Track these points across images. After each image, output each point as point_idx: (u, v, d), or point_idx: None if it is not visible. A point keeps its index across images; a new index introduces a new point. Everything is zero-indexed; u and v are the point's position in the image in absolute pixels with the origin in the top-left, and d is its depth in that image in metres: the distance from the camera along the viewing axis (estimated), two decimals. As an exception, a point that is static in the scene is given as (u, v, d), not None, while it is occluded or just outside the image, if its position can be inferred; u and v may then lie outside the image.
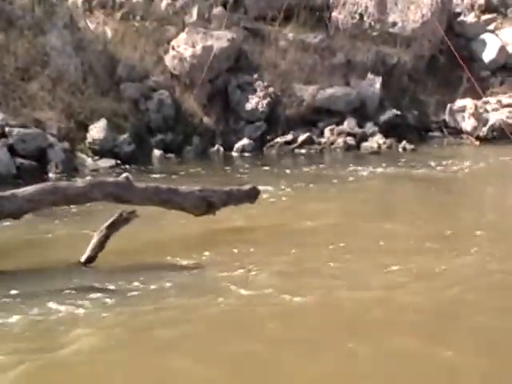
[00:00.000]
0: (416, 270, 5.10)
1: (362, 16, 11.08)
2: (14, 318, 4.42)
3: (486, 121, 10.08)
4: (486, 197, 7.78)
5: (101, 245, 5.57)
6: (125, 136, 9.02)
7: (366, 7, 11.12)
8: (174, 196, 6.12)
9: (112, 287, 4.98)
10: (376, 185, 8.00)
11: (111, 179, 6.13)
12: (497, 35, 11.24)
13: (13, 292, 4.84)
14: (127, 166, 8.63)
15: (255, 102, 9.97)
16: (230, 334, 4.25)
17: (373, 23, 11.04)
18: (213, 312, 4.52)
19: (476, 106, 10.11)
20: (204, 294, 4.78)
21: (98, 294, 4.85)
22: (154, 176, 8.31)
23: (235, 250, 5.65)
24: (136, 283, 5.01)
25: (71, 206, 6.20)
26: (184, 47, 10.11)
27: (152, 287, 4.95)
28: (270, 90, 10.07)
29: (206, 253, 5.59)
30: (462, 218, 6.72)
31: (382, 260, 5.28)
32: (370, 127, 10.03)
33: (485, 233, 5.96)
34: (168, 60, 10.13)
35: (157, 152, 9.22)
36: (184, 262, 5.43)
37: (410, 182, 8.08)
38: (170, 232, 6.17)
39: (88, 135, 8.90)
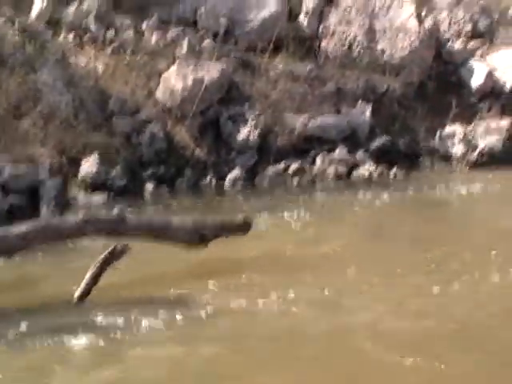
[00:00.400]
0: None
1: (350, 45, 11.21)
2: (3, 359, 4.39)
3: (475, 146, 10.15)
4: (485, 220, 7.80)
5: (94, 280, 5.58)
6: (117, 170, 9.05)
7: (355, 36, 11.25)
8: (167, 230, 6.18)
9: (104, 325, 4.98)
10: (371, 212, 8.02)
11: (104, 214, 6.16)
12: (484, 61, 11.37)
13: (2, 331, 4.82)
14: (120, 200, 8.64)
15: (246, 132, 10.03)
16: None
17: (362, 52, 11.17)
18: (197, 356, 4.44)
19: (465, 132, 10.19)
20: (197, 336, 4.75)
21: (90, 333, 4.83)
22: (147, 209, 8.34)
23: (229, 282, 5.65)
24: (130, 320, 5.00)
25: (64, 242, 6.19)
26: (175, 80, 10.19)
27: (145, 324, 4.94)
28: (261, 120, 10.13)
29: (201, 286, 5.59)
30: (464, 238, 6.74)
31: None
32: (361, 155, 10.08)
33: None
34: (159, 93, 10.20)
35: (149, 185, 9.24)
36: (179, 296, 5.42)
37: (406, 207, 8.11)
38: (164, 265, 6.17)
39: (80, 170, 8.92)
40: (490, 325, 4.78)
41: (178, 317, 4.99)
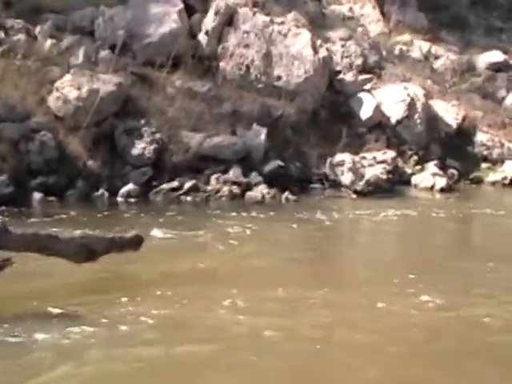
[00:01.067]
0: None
1: (248, 68, 11.37)
2: None
3: (363, 175, 10.57)
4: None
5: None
6: (2, 178, 8.62)
7: (253, 60, 11.44)
8: (54, 243, 5.84)
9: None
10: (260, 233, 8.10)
11: (-15, 225, 5.77)
12: (372, 95, 11.92)
13: None
14: (5, 209, 8.20)
15: (142, 147, 9.87)
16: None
17: (259, 75, 11.36)
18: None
19: (354, 161, 10.60)
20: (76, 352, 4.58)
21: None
22: (34, 220, 7.97)
23: (119, 298, 5.50)
24: (11, 337, 4.74)
25: None
26: (69, 89, 9.88)
27: (27, 340, 4.71)
28: (157, 136, 10.02)
29: (87, 301, 5.40)
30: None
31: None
32: (254, 177, 10.20)
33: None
34: (51, 101, 9.84)
35: (37, 195, 8.85)
36: (61, 312, 5.22)
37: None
38: (49, 279, 5.91)
39: (-37, 176, 8.41)
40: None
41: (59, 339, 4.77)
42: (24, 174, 8.99)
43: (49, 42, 10.71)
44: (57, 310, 5.25)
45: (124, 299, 5.52)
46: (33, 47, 10.50)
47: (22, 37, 10.59)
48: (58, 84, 9.95)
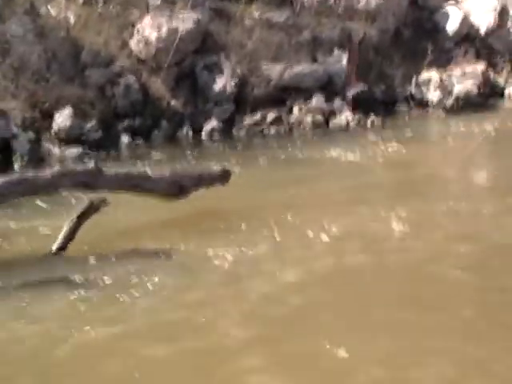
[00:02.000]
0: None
1: (326, -8, 11.03)
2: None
3: (451, 92, 10.16)
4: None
5: (71, 234, 5.56)
6: (91, 123, 8.92)
7: (331, -17, 11.07)
8: (145, 181, 6.13)
9: (81, 279, 4.98)
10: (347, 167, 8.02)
11: (80, 167, 6.10)
12: (459, 6, 11.28)
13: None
14: (95, 153, 8.56)
15: (223, 83, 9.91)
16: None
17: (338, 0, 11.01)
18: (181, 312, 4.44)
19: (441, 78, 10.18)
20: (174, 288, 4.75)
21: (67, 287, 4.84)
22: (123, 162, 8.27)
23: (208, 235, 5.66)
24: (106, 275, 5.01)
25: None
26: (149, 30, 9.99)
27: (121, 278, 4.95)
28: (238, 70, 10.01)
29: (179, 239, 5.59)
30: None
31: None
32: (338, 103, 10.05)
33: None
34: (133, 44, 10.01)
35: (125, 138, 9.15)
36: (155, 249, 5.43)
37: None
38: (143, 218, 6.16)
39: (54, 124, 8.78)
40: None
41: (157, 277, 4.97)
42: (111, 117, 9.28)
43: (127, -15, 10.81)
44: (146, 250, 5.48)
45: (213, 235, 5.60)
46: (113, -8, 10.64)
47: (102, -18, 10.73)
48: (138, 26, 10.08)
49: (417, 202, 6.20)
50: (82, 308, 4.55)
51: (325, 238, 5.41)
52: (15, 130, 8.27)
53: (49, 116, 8.79)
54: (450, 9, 11.22)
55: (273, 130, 9.71)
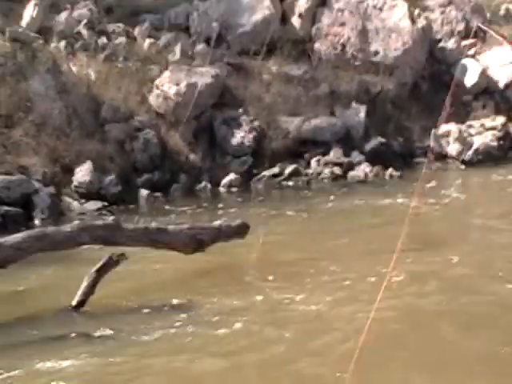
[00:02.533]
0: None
1: (344, 46, 11.18)
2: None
3: (471, 145, 10.13)
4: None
5: (91, 289, 5.52)
6: (111, 177, 8.99)
7: (348, 37, 11.23)
8: (164, 235, 6.12)
9: (100, 334, 4.92)
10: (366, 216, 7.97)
11: (99, 222, 6.11)
12: (477, 60, 11.36)
13: (2, 340, 4.77)
14: (114, 208, 8.59)
15: (241, 136, 9.99)
16: None
17: (355, 53, 11.14)
18: (195, 369, 4.38)
19: (460, 131, 10.17)
20: (191, 346, 4.68)
21: (87, 342, 4.78)
22: (142, 216, 8.28)
23: (227, 290, 5.59)
24: (126, 330, 4.94)
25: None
26: (168, 85, 10.15)
27: (140, 334, 4.88)
28: (256, 123, 10.10)
29: (197, 295, 5.52)
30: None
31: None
32: (356, 156, 10.06)
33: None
34: (152, 99, 10.16)
35: (143, 191, 9.19)
36: (175, 305, 5.36)
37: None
38: (161, 272, 6.12)
39: (74, 178, 8.86)
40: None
41: (173, 329, 4.91)
42: (130, 172, 9.35)
43: (147, 41, 11.05)
44: (164, 306, 5.42)
45: (231, 292, 5.55)
46: (133, 49, 10.87)
47: (122, 40, 10.99)
48: (157, 82, 10.25)
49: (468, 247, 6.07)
50: (101, 363, 4.48)
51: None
52: (36, 184, 8.34)
53: (69, 171, 8.88)
54: (467, 62, 11.29)
55: (291, 183, 9.71)
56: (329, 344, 4.55)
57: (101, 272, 5.56)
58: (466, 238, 6.80)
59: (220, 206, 8.82)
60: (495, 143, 10.16)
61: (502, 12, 12.67)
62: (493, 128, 10.31)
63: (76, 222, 5.87)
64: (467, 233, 7.07)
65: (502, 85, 11.18)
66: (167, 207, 8.72)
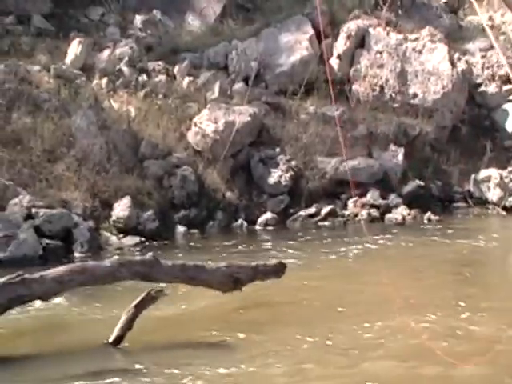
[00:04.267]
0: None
1: (382, 88, 11.18)
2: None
3: (512, 191, 9.99)
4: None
5: (129, 324, 5.51)
6: (149, 213, 9.04)
7: (387, 79, 11.24)
8: (201, 273, 6.09)
9: (138, 371, 4.88)
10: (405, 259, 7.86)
11: (138, 258, 6.11)
12: (518, 105, 11.26)
13: (40, 375, 4.75)
14: (151, 243, 8.60)
15: (278, 175, 9.98)
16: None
17: (393, 95, 11.13)
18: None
19: (501, 176, 10.04)
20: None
21: (123, 379, 4.74)
22: (179, 252, 8.27)
23: (265, 330, 5.52)
24: (163, 367, 4.89)
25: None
26: (206, 123, 10.23)
27: (178, 373, 4.83)
28: (293, 163, 10.10)
29: (238, 334, 5.46)
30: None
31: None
32: (393, 198, 9.98)
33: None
34: (190, 136, 10.23)
35: (180, 228, 9.21)
36: (213, 343, 5.31)
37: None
38: (200, 310, 6.08)
39: (112, 213, 8.93)
40: None
41: (212, 369, 4.84)
42: (168, 208, 9.39)
43: (186, 79, 11.18)
44: (203, 342, 5.36)
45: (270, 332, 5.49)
46: (172, 86, 11.01)
47: (162, 77, 11.14)
48: (196, 119, 10.34)
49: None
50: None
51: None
52: (76, 218, 8.42)
53: (108, 206, 8.96)
54: (508, 107, 11.21)
55: (327, 223, 9.65)
56: None
57: (139, 307, 5.55)
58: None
59: (256, 244, 8.78)
60: (537, 189, 10.00)
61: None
62: (535, 174, 10.15)
63: (115, 258, 5.89)
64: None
65: (542, 131, 11.05)
66: (203, 244, 8.72)
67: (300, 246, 8.41)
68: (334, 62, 11.54)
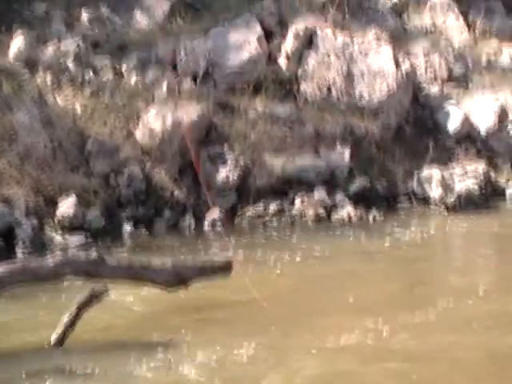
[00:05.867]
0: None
1: (329, 88, 11.32)
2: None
3: (453, 189, 10.24)
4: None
5: (71, 324, 5.43)
6: (95, 211, 8.95)
7: (334, 80, 11.37)
8: (147, 271, 6.09)
9: (79, 372, 4.83)
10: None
11: (82, 256, 6.03)
12: (459, 106, 11.56)
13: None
14: (97, 242, 8.51)
15: (226, 173, 10.00)
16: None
17: (340, 96, 11.28)
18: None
19: (443, 175, 10.28)
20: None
21: (64, 381, 4.68)
22: (125, 251, 8.22)
23: (209, 329, 5.53)
24: (105, 367, 4.86)
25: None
26: (154, 121, 10.17)
27: (121, 373, 4.80)
28: (241, 161, 10.12)
29: (182, 331, 5.46)
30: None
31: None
32: (340, 197, 10.10)
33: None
34: (138, 135, 10.16)
35: (127, 227, 9.13)
36: (157, 342, 5.29)
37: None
38: (142, 309, 6.05)
39: (57, 211, 8.79)
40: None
41: (156, 363, 4.84)
42: (114, 206, 9.31)
43: (134, 77, 11.08)
44: (148, 341, 5.34)
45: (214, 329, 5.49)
46: (119, 84, 10.90)
47: (109, 75, 11.02)
48: (143, 117, 10.27)
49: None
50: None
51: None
52: (18, 216, 8.26)
53: (52, 203, 8.81)
54: (450, 108, 11.48)
55: (275, 222, 9.70)
56: None
57: (82, 307, 5.48)
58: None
59: (204, 242, 8.78)
60: (477, 189, 10.27)
61: (483, 60, 12.95)
62: (475, 174, 10.43)
63: (59, 256, 5.79)
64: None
65: (483, 132, 11.37)
66: (151, 242, 8.68)
67: (247, 244, 8.44)
68: (282, 62, 11.63)
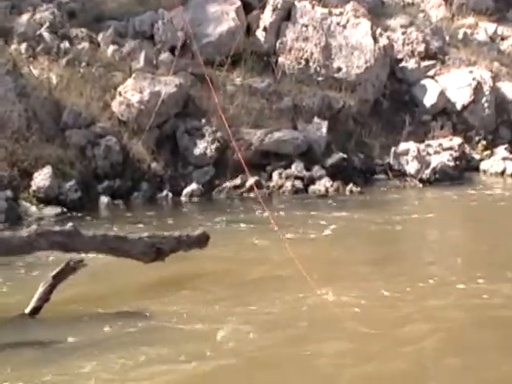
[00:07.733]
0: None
1: (307, 61, 11.29)
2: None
3: (429, 164, 10.33)
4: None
5: (46, 295, 5.42)
6: (71, 183, 8.86)
7: (312, 53, 11.35)
8: (123, 243, 6.05)
9: (53, 341, 4.83)
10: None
11: (57, 228, 6.00)
12: (436, 81, 11.61)
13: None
14: (74, 214, 8.46)
15: (203, 146, 9.97)
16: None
17: (318, 68, 11.26)
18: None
19: (419, 149, 10.36)
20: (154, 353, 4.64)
21: (39, 351, 4.69)
22: (102, 223, 8.17)
23: (185, 299, 5.56)
24: (80, 338, 4.87)
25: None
26: (131, 93, 10.07)
27: (95, 341, 4.81)
28: (218, 134, 10.09)
29: (155, 302, 5.48)
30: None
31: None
32: (317, 170, 10.13)
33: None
34: (115, 106, 10.06)
35: (104, 199, 9.08)
36: (131, 313, 5.31)
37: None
38: (119, 280, 6.05)
39: (32, 183, 8.70)
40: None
41: (129, 337, 4.86)
42: (91, 178, 9.23)
43: (111, 48, 10.95)
44: (120, 312, 5.35)
45: (190, 299, 5.52)
46: (96, 54, 10.76)
47: (85, 45, 10.87)
48: (120, 89, 10.17)
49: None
50: (54, 372, 4.39)
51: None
52: (-8, 187, 8.17)
53: (28, 175, 8.72)
54: (427, 83, 11.53)
55: (252, 194, 9.71)
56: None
57: (57, 278, 5.47)
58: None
59: (181, 215, 8.77)
60: (452, 163, 10.37)
61: (460, 35, 13.00)
62: (450, 148, 10.53)
63: (33, 227, 5.74)
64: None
65: (459, 106, 11.45)
66: (127, 215, 8.62)
67: (224, 218, 8.44)
68: (261, 35, 11.56)
